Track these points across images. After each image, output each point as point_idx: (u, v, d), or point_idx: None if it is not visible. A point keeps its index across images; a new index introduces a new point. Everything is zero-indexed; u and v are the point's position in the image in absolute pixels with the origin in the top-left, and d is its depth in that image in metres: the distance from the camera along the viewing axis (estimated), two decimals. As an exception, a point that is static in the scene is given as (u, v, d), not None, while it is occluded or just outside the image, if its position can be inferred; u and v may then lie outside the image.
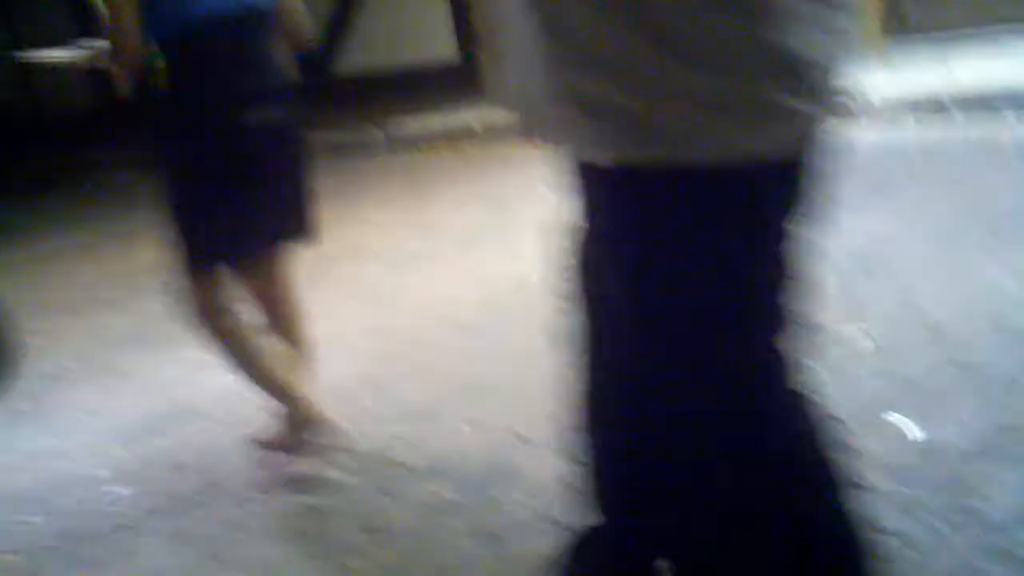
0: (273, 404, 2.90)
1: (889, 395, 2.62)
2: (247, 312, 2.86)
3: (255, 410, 3.02)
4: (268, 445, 2.97)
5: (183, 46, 2.56)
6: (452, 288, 4.26)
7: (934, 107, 5.53)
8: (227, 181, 2.63)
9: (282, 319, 2.93)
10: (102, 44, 2.57)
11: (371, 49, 10.03)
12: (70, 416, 3.69)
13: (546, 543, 2.00)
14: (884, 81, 6.01)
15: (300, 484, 2.81)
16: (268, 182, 2.71)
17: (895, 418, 2.50)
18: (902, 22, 6.98)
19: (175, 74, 2.58)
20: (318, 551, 2.45)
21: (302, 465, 2.87)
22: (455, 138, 7.35)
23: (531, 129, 1.33)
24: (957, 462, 2.25)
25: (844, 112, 1.33)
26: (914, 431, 2.42)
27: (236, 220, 2.69)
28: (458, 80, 8.48)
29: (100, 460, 3.21)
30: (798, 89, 1.20)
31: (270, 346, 2.89)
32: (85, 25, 2.69)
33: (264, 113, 2.66)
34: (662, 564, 1.56)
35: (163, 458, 3.18)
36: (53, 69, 2.82)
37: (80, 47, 2.68)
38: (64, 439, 3.46)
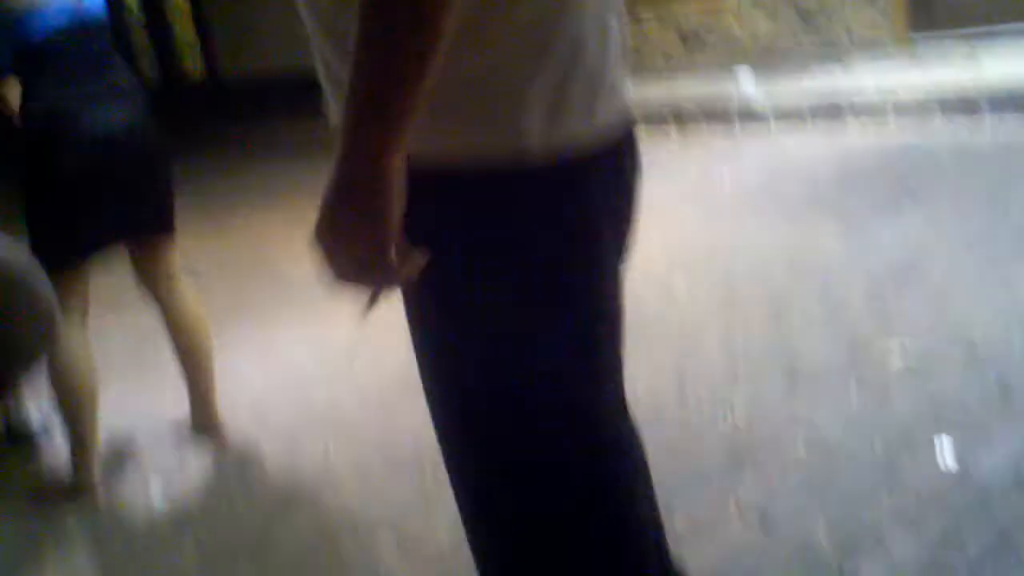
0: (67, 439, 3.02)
1: (924, 416, 2.63)
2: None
3: (291, 411, 3.04)
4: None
5: (28, 65, 2.81)
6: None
7: (964, 106, 5.49)
8: (78, 181, 2.82)
9: (173, 323, 3.16)
10: None
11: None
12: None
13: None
14: (911, 78, 5.98)
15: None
16: (119, 180, 2.89)
17: (931, 441, 2.51)
18: (929, 17, 6.92)
19: (25, 91, 2.82)
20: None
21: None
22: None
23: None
24: (993, 492, 2.25)
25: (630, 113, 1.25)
26: (949, 457, 2.43)
27: (87, 217, 2.87)
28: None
29: (139, 453, 3.26)
30: (590, 79, 1.13)
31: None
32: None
33: (111, 114, 2.87)
34: None
35: (197, 457, 3.23)
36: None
37: None
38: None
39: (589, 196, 1.17)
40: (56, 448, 3.34)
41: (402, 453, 2.91)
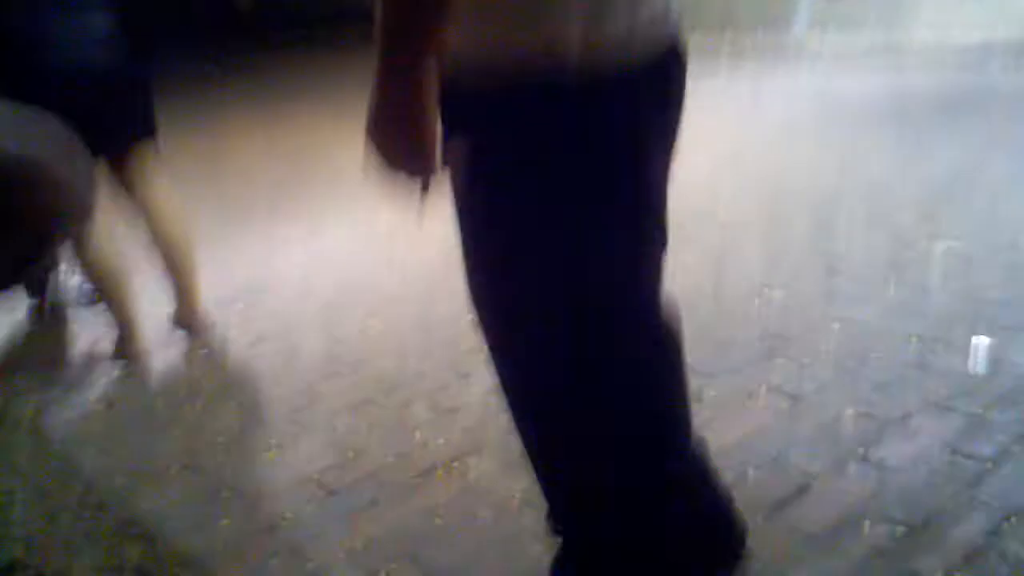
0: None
1: (962, 313, 2.64)
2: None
3: (333, 285, 3.10)
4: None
5: None
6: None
7: (997, 47, 5.40)
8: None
9: (153, 222, 3.13)
10: None
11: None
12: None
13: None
14: (966, 15, 5.86)
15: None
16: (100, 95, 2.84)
17: (967, 337, 2.51)
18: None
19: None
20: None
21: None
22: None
23: None
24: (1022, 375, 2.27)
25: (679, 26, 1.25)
26: (983, 353, 2.44)
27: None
28: None
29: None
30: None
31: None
32: None
33: (88, 26, 2.82)
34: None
35: (242, 326, 3.31)
36: None
37: None
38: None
39: (634, 103, 1.19)
40: (96, 322, 3.44)
41: (439, 330, 2.97)
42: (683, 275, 3.10)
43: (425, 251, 3.53)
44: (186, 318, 3.27)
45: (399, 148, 1.15)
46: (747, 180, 4.06)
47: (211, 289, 3.46)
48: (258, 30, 11.93)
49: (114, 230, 3.05)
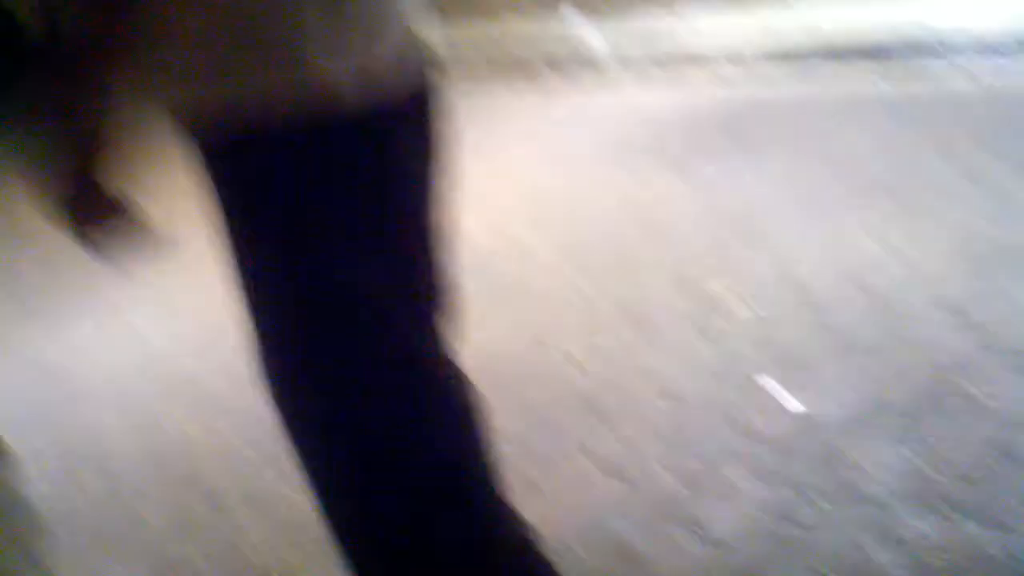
0: None
1: (764, 363, 2.75)
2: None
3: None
4: None
5: None
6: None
7: (791, 56, 5.59)
8: None
9: None
10: None
11: None
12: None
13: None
14: (744, 22, 6.02)
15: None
16: None
17: (772, 387, 2.64)
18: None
19: None
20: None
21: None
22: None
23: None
24: (834, 435, 2.39)
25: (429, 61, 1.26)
26: (791, 401, 2.56)
27: None
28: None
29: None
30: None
31: None
32: None
33: None
34: None
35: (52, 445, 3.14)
36: None
37: None
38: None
39: (378, 142, 1.19)
40: None
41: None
42: (499, 337, 3.15)
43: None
44: None
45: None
46: (546, 228, 4.12)
47: (12, 403, 3.30)
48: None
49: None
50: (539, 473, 2.42)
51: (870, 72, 4.99)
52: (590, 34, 6.72)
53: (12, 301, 4.53)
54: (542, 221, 4.22)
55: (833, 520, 2.11)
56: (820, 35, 5.65)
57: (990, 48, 4.71)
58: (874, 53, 5.18)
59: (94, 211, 1.14)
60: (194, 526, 2.54)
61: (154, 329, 3.83)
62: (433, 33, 1.29)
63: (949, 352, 2.59)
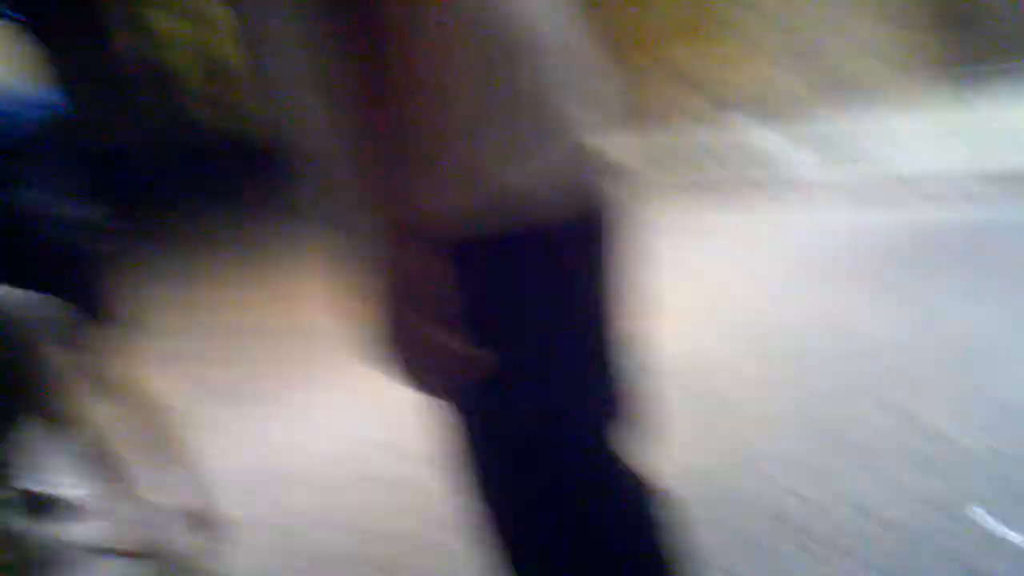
0: None
1: (984, 493, 2.61)
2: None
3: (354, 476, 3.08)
4: None
5: None
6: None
7: (1005, 176, 5.22)
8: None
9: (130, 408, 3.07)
10: None
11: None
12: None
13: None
14: (941, 146, 5.76)
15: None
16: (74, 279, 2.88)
17: (991, 520, 2.49)
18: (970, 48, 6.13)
19: None
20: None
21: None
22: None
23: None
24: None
25: (611, 171, 1.26)
26: (1012, 535, 2.41)
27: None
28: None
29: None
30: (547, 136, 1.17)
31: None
32: None
33: (69, 213, 2.91)
34: None
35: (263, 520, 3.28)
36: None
37: None
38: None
39: (556, 250, 1.21)
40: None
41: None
42: (703, 457, 3.10)
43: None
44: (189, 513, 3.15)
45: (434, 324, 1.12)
46: (740, 341, 4.07)
47: (229, 479, 3.46)
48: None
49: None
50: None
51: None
52: (790, 149, 6.64)
53: (241, 386, 4.79)
54: (741, 337, 4.15)
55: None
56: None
57: None
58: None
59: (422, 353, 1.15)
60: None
61: (372, 419, 3.95)
62: (619, 144, 1.31)
63: None
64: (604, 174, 1.26)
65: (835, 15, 6.55)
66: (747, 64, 7.11)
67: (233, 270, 8.25)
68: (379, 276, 1.10)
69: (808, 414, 3.32)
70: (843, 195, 6.04)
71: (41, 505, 3.43)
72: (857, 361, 3.66)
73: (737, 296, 4.74)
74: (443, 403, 1.28)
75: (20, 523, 3.38)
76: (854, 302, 4.25)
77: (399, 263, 1.08)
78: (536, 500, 1.29)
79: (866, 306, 4.16)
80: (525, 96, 1.16)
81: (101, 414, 2.89)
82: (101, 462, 2.97)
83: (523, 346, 1.22)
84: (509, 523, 1.33)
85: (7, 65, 3.08)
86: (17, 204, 2.85)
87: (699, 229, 6.11)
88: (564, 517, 1.30)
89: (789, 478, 2.92)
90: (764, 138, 6.76)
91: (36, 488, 3.43)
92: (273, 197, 11.18)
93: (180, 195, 13.08)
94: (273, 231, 9.34)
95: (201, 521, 3.19)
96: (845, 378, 3.53)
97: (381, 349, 1.13)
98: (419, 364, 1.13)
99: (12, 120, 2.89)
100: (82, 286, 2.92)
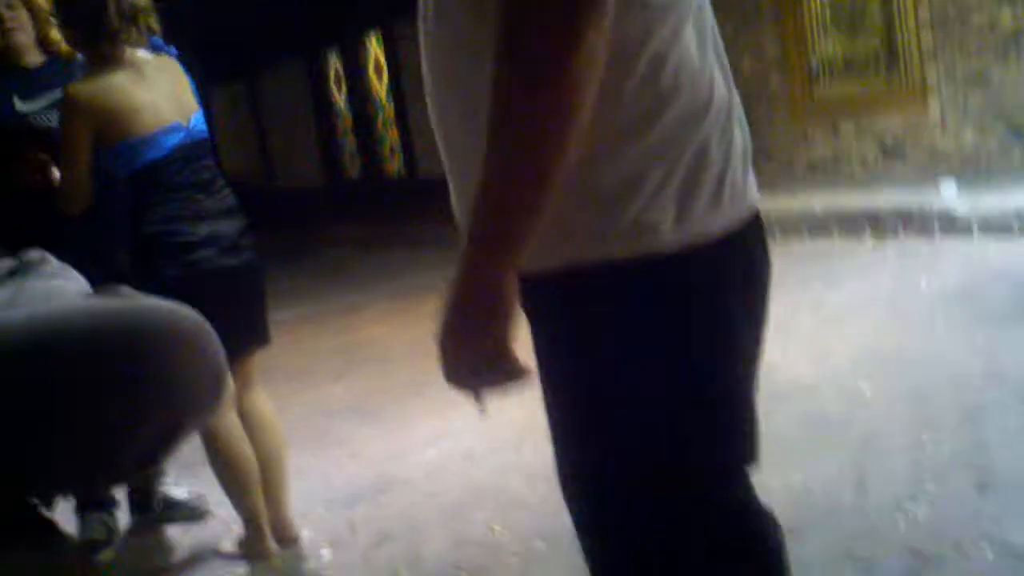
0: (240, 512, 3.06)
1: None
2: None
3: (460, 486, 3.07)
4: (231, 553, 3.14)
5: (141, 183, 2.87)
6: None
7: None
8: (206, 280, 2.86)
9: (250, 431, 3.05)
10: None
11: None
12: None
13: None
14: None
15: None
16: (218, 298, 2.80)
17: None
18: None
19: (137, 205, 2.89)
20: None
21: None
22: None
23: None
24: None
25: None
26: None
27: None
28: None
29: (303, 521, 3.31)
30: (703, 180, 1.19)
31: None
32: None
33: (223, 228, 2.93)
34: None
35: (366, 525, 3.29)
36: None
37: None
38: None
39: (714, 283, 1.22)
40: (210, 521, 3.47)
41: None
42: (820, 482, 2.97)
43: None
44: (275, 529, 3.13)
45: (475, 355, 1.14)
46: (888, 375, 3.89)
47: (337, 487, 3.47)
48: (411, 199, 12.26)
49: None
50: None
51: None
52: (956, 197, 6.48)
53: (352, 403, 4.85)
54: (878, 371, 4.00)
55: None
56: None
57: None
58: None
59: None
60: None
61: (470, 432, 3.94)
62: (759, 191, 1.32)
63: None
64: (755, 215, 1.30)
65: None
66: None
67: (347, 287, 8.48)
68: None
69: (937, 443, 3.17)
70: (996, 230, 5.85)
71: (160, 506, 3.52)
72: (996, 393, 3.50)
73: (875, 328, 4.61)
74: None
75: (137, 522, 3.48)
76: (999, 337, 4.06)
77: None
78: (653, 530, 1.27)
79: (1014, 342, 3.96)
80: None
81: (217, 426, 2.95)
82: (218, 469, 3.01)
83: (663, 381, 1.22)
84: (625, 550, 1.30)
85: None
86: (154, 223, 2.89)
87: (842, 263, 6.02)
88: (680, 544, 1.28)
89: (908, 501, 2.77)
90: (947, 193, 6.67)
91: (157, 490, 3.53)
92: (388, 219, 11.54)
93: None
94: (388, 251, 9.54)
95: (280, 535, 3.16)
96: (983, 411, 3.37)
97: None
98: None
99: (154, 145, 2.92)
100: (227, 305, 2.80)
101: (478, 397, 1.22)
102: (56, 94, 3.00)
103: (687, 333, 1.21)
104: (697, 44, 1.21)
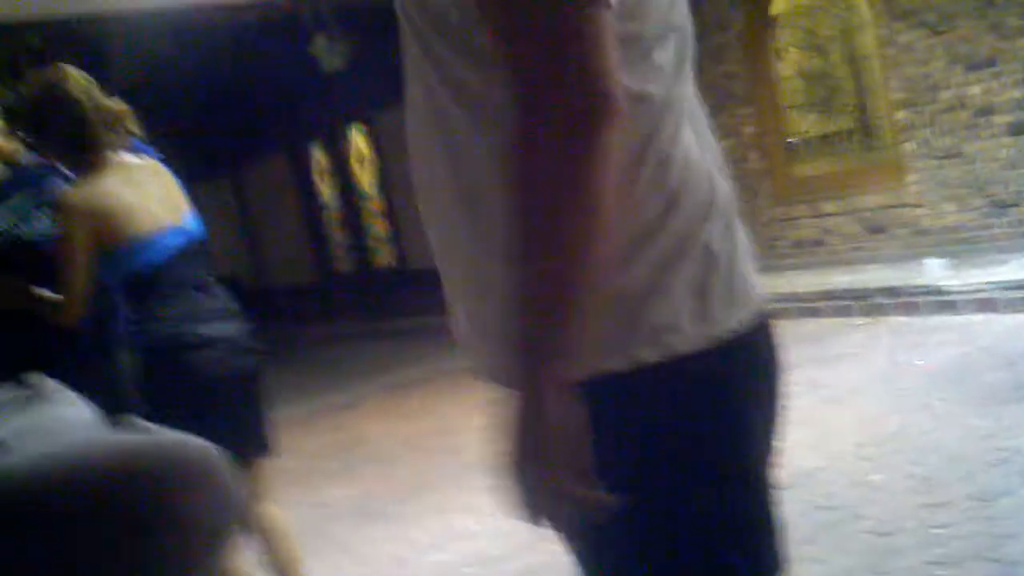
0: None
1: None
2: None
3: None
4: None
5: (137, 287, 2.83)
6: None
7: None
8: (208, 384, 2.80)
9: (262, 536, 2.99)
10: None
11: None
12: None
13: None
14: None
15: None
16: (227, 403, 2.83)
17: None
18: None
19: (134, 310, 2.83)
20: None
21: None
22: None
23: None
24: None
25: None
26: None
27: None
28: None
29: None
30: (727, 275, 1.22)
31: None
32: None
33: (225, 330, 2.88)
34: None
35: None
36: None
37: None
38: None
39: (732, 380, 1.23)
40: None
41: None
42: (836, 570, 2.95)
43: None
44: None
45: (558, 480, 1.11)
46: (891, 460, 3.90)
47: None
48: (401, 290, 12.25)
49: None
50: None
51: None
52: (943, 274, 6.56)
53: (353, 504, 4.83)
54: (881, 454, 4.01)
55: None
56: None
57: None
58: None
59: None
60: None
61: (480, 528, 3.91)
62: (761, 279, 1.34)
63: None
64: (764, 307, 1.31)
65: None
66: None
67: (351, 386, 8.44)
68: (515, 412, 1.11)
69: (948, 528, 3.17)
70: (989, 307, 5.90)
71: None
72: (1002, 476, 3.50)
73: (875, 408, 4.62)
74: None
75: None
76: (999, 415, 4.07)
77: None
78: None
79: (1013, 420, 3.97)
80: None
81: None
82: None
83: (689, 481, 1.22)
84: None
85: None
86: (157, 328, 2.83)
87: (838, 342, 6.07)
88: None
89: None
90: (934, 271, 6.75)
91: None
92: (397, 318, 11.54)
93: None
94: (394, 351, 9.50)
95: None
96: (992, 494, 3.37)
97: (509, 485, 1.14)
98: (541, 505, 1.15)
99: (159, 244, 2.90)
100: (234, 415, 2.84)
101: (564, 522, 1.18)
102: (16, 201, 2.92)
103: (706, 433, 1.21)
104: (696, 141, 1.24)
